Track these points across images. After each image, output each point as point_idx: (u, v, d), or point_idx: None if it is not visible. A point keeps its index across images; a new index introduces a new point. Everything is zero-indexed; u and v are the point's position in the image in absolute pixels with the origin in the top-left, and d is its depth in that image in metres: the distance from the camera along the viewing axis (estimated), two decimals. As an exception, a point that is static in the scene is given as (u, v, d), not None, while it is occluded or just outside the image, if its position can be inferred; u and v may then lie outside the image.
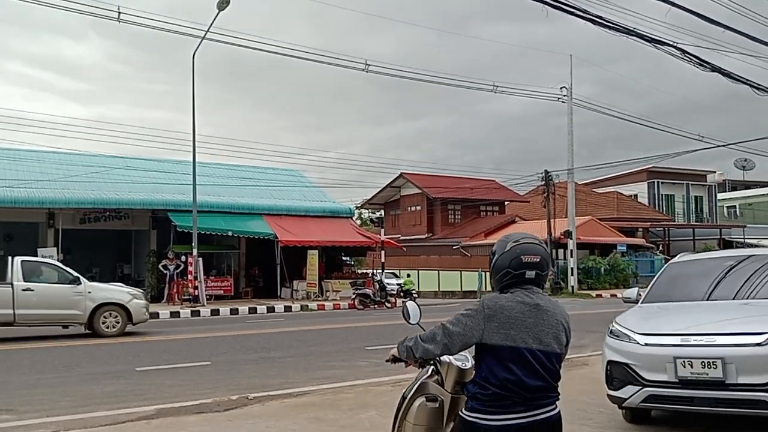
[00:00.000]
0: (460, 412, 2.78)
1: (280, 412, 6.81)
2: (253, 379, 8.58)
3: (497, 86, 29.08)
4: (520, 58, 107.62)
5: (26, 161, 25.53)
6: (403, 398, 3.26)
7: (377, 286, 24.29)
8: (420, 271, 36.46)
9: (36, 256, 22.26)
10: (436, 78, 32.26)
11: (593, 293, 31.20)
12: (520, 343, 2.60)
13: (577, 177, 35.30)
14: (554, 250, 33.66)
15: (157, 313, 19.76)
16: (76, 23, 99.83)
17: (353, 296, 23.52)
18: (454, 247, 40.50)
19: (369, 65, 23.43)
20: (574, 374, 9.02)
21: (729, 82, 12.42)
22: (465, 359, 3.06)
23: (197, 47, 21.13)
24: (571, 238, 32.08)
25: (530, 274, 2.69)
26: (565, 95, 32.42)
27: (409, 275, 32.35)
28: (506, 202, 48.12)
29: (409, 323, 3.38)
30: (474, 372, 2.78)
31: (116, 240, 28.46)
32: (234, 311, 21.05)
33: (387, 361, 3.18)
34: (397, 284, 28.04)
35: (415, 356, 2.97)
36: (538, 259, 2.70)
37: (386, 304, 23.62)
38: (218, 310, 20.99)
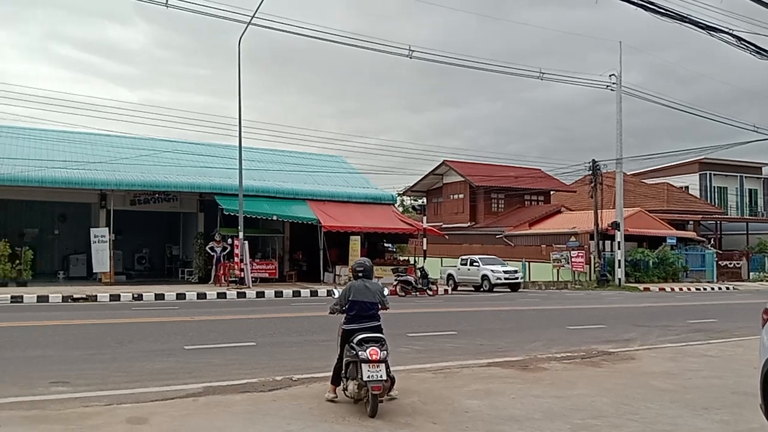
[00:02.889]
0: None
1: (322, 394, 6.92)
2: (298, 360, 8.73)
3: (543, 73, 28.55)
4: (565, 44, 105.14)
5: (79, 143, 26.37)
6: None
7: (419, 274, 24.30)
8: (443, 260, 36.27)
9: (89, 236, 23.14)
10: (482, 64, 31.73)
11: (640, 286, 30.54)
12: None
13: (625, 167, 34.46)
14: (601, 242, 33.02)
15: (205, 294, 20.28)
16: (123, 8, 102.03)
17: (395, 283, 23.58)
18: (497, 237, 40.16)
19: (413, 51, 23.31)
20: (620, 368, 8.89)
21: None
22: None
23: (243, 32, 21.34)
24: (619, 230, 31.41)
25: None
26: (613, 83, 31.62)
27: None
28: (552, 192, 47.39)
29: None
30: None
31: (165, 222, 29.21)
32: (278, 294, 21.41)
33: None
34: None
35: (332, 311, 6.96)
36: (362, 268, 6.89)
37: (428, 291, 23.63)
38: (263, 292, 21.38)
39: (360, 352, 6.05)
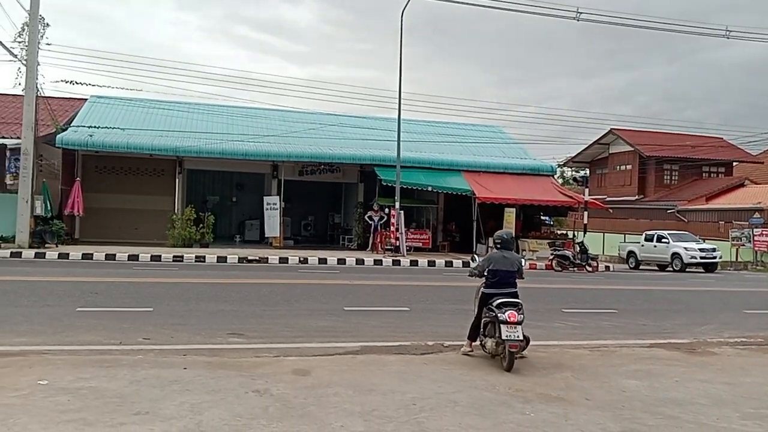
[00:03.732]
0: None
1: (474, 362, 7.03)
2: (449, 328, 8.90)
3: (730, 31, 25.68)
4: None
5: (254, 118, 28.59)
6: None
7: (578, 249, 23.38)
8: (627, 236, 34.22)
9: (262, 203, 25.11)
10: (657, 24, 29.23)
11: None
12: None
13: (827, 135, 30.15)
14: (791, 220, 29.39)
15: (363, 260, 21.22)
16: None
17: (551, 257, 22.95)
18: (669, 211, 37.27)
19: (581, 13, 22.13)
20: (806, 359, 7.98)
21: None
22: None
23: (406, 5, 21.60)
24: (815, 206, 27.73)
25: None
26: (817, 38, 27.59)
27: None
28: (734, 163, 42.89)
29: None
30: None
31: (328, 191, 30.81)
32: (431, 263, 21.80)
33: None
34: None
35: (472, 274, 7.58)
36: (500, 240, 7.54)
37: (587, 267, 22.70)
38: (417, 261, 21.90)
39: (500, 314, 6.76)
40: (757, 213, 30.76)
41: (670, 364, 7.32)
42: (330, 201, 31.37)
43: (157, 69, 38.20)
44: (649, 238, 27.31)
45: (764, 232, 28.90)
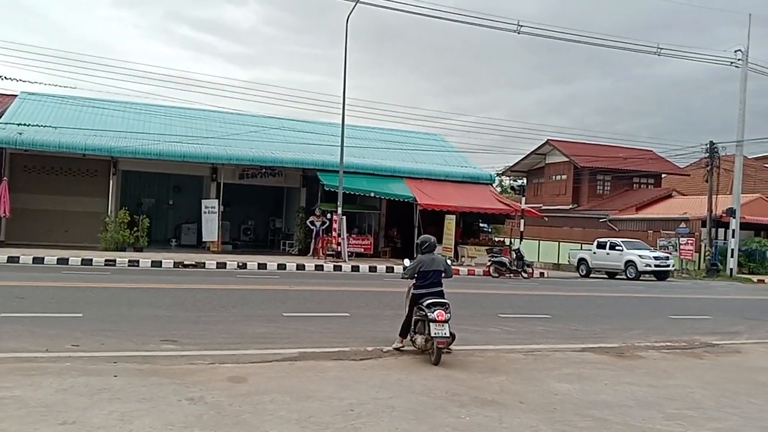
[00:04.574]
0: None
1: (412, 367, 7.09)
2: (389, 333, 8.93)
3: (661, 48, 26.98)
4: (688, 16, 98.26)
5: (193, 119, 27.95)
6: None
7: (514, 255, 23.92)
8: (561, 243, 35.25)
9: (200, 207, 24.58)
10: (594, 39, 30.34)
11: (754, 278, 28.49)
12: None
13: (747, 150, 31.95)
14: (714, 229, 31.02)
15: (303, 266, 21.06)
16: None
17: (489, 263, 23.39)
18: (601, 220, 38.65)
19: (521, 26, 22.72)
20: (723, 361, 8.44)
21: None
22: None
23: (351, 11, 21.64)
24: (734, 217, 29.34)
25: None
26: (739, 59, 29.32)
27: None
28: (663, 175, 44.90)
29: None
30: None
31: (270, 195, 30.43)
32: (373, 269, 21.85)
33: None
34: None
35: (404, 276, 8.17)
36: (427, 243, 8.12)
37: (523, 273, 23.25)
38: (358, 266, 21.90)
39: (429, 314, 7.34)
40: (683, 223, 32.31)
41: (599, 368, 7.59)
42: (271, 205, 31.02)
43: (93, 67, 36.99)
44: (601, 246, 27.69)
45: (689, 241, 30.37)
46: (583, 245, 32.86)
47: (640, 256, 25.88)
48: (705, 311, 14.63)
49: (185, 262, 19.66)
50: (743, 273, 29.93)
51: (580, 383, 6.72)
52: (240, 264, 20.30)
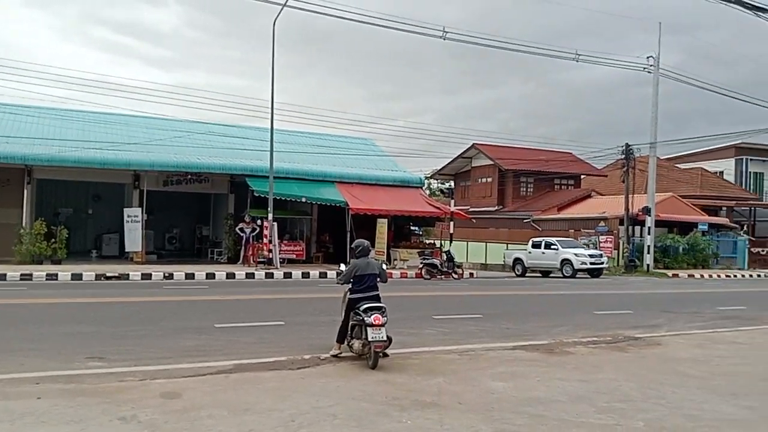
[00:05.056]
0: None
1: (350, 373, 7.06)
2: (325, 340, 8.86)
3: (580, 55, 28.10)
4: (604, 24, 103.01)
5: (114, 124, 26.82)
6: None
7: (445, 257, 24.31)
8: (488, 244, 36.13)
9: (122, 215, 23.64)
10: (516, 45, 31.26)
11: (669, 273, 30.10)
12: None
13: (659, 151, 33.78)
14: (631, 227, 32.58)
15: (234, 274, 20.62)
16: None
17: (421, 266, 23.66)
18: (525, 221, 39.87)
19: (447, 32, 23.10)
20: (646, 353, 8.86)
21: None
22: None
23: (278, 14, 21.41)
24: (650, 215, 30.92)
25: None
26: (651, 65, 30.93)
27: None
28: (582, 176, 46.79)
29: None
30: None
31: (196, 202, 29.65)
32: (305, 275, 21.66)
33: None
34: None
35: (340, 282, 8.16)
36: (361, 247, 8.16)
37: (453, 275, 23.65)
38: (291, 273, 21.65)
39: (366, 318, 7.38)
40: (602, 222, 33.81)
41: (532, 365, 7.81)
42: (198, 212, 30.22)
43: (4, 70, 34.80)
44: (536, 245, 28.41)
45: (608, 239, 31.80)
46: (509, 245, 33.84)
47: (575, 254, 26.83)
48: (626, 306, 15.32)
49: (108, 274, 18.86)
50: (659, 268, 31.56)
51: (514, 381, 6.89)
52: (166, 274, 19.66)
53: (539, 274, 28.26)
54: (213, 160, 25.06)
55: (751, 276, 31.69)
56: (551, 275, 27.45)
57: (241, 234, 24.06)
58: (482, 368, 7.51)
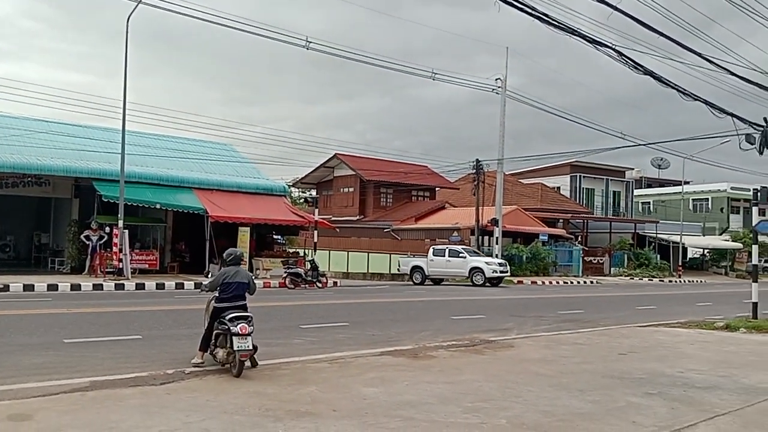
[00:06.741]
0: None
1: (218, 386, 6.86)
2: (189, 354, 8.50)
3: (436, 73, 29.40)
4: (451, 44, 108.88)
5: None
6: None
7: (309, 266, 24.29)
8: (350, 253, 36.65)
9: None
10: (378, 60, 32.08)
11: (515, 280, 32.37)
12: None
13: (505, 167, 36.32)
14: (480, 237, 34.64)
15: (79, 285, 19.11)
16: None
17: (284, 275, 23.45)
18: (385, 230, 40.95)
19: (310, 42, 23.14)
20: (501, 355, 9.49)
21: (657, 84, 13.15)
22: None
23: (133, 11, 20.27)
24: (498, 226, 33.08)
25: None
26: (499, 86, 33.17)
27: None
28: (437, 189, 48.97)
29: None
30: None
31: (34, 207, 27.14)
32: (160, 286, 20.58)
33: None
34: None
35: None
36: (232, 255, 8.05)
37: (317, 284, 23.69)
38: (143, 284, 20.46)
39: (232, 327, 7.27)
40: (455, 232, 35.65)
41: (399, 370, 8.07)
42: (36, 218, 27.69)
43: None
44: (439, 253, 28.86)
45: (462, 248, 33.55)
46: (370, 253, 34.51)
47: (486, 263, 27.76)
48: (479, 311, 16.29)
49: (-73, 287, 16.67)
50: (505, 275, 33.82)
51: (384, 386, 7.08)
52: (1, 286, 17.76)
53: (431, 282, 28.92)
54: (55, 161, 23.11)
55: (585, 282, 34.99)
56: (443, 283, 28.15)
57: (87, 242, 22.42)
58: (353, 375, 7.64)
